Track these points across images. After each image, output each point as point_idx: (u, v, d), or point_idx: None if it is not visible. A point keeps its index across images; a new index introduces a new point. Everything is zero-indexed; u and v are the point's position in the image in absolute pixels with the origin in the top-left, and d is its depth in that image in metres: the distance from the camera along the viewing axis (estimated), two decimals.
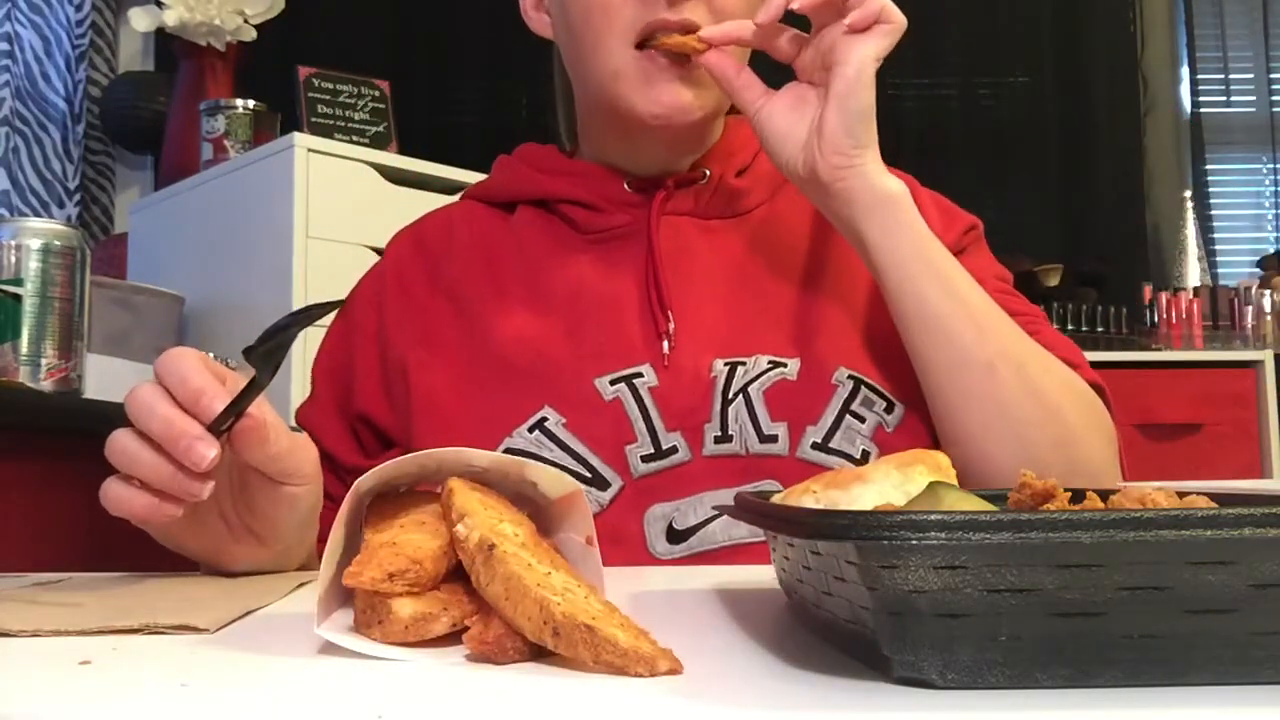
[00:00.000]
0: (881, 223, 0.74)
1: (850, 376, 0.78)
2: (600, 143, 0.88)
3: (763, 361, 0.78)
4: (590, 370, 0.78)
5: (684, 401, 0.77)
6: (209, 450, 0.55)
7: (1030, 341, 0.76)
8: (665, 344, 0.80)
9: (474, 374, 0.81)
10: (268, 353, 0.56)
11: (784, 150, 0.75)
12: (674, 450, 0.76)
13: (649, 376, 0.78)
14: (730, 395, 0.77)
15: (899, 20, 0.72)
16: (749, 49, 0.81)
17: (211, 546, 0.65)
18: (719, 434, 0.76)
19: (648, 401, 0.77)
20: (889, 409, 0.78)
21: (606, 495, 0.75)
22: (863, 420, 0.77)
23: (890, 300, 0.75)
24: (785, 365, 0.78)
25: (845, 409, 0.77)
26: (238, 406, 0.56)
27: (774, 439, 0.76)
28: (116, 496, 0.57)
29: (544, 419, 0.77)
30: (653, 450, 0.76)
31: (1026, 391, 0.73)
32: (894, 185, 0.74)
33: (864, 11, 0.71)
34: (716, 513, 0.74)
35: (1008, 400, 0.73)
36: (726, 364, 0.78)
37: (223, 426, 0.57)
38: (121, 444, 0.56)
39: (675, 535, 0.75)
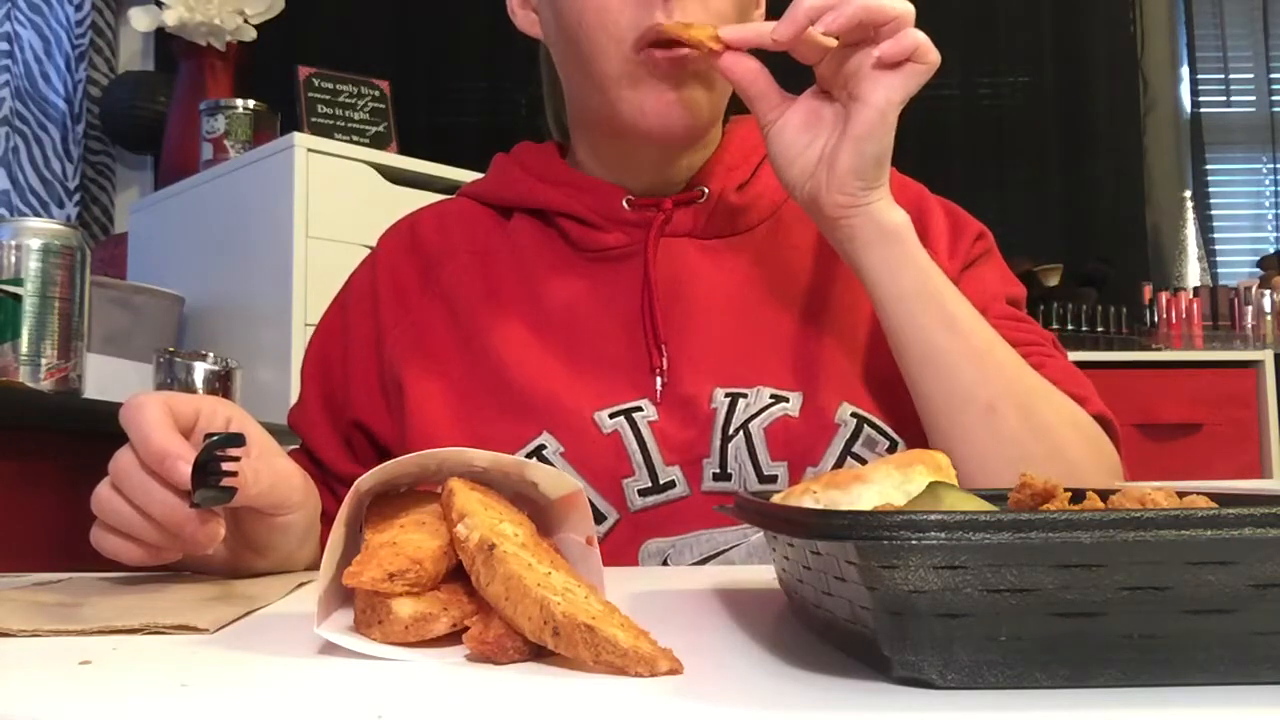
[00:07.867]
0: (883, 257, 0.71)
1: (853, 415, 0.76)
2: (593, 146, 0.86)
3: (764, 395, 0.77)
4: (589, 401, 0.77)
5: (683, 435, 0.76)
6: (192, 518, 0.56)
7: (1034, 377, 0.74)
8: (659, 380, 0.78)
9: (470, 390, 0.80)
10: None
11: (790, 171, 0.72)
12: (672, 485, 0.75)
13: (649, 410, 0.77)
14: (731, 431, 0.75)
15: (932, 60, 0.67)
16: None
17: (209, 563, 0.65)
18: (717, 471, 0.75)
19: (646, 435, 0.76)
20: (891, 448, 0.76)
21: (602, 529, 0.74)
22: (864, 462, 0.74)
23: (890, 335, 0.73)
24: (787, 400, 0.76)
25: (847, 450, 0.75)
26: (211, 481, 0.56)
27: (773, 479, 0.75)
28: (103, 547, 0.58)
29: (542, 446, 0.75)
30: (650, 484, 0.75)
31: (1028, 429, 0.71)
32: (898, 218, 0.71)
33: (897, 46, 0.66)
34: (706, 557, 0.74)
35: (1008, 438, 0.70)
36: (728, 395, 0.77)
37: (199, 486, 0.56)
38: (106, 502, 0.57)
39: None
